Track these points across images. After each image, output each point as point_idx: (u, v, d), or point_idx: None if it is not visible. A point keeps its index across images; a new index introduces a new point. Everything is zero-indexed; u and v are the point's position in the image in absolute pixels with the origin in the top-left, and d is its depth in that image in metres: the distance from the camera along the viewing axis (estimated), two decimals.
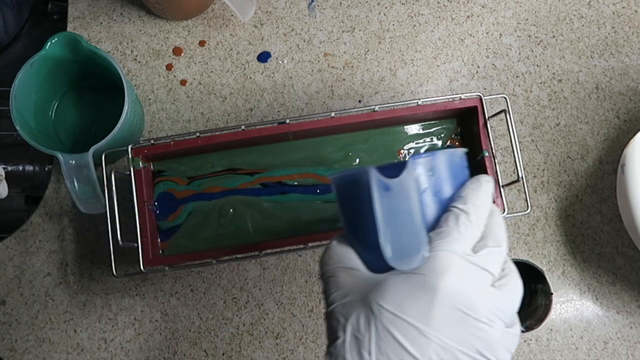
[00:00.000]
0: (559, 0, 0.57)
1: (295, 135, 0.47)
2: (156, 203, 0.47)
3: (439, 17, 0.57)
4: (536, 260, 0.52)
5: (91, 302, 0.51)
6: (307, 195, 0.47)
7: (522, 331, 0.46)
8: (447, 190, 0.30)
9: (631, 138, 0.48)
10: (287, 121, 0.45)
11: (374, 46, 0.56)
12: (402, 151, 0.48)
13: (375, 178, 0.27)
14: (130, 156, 0.44)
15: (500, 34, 0.56)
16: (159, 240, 0.47)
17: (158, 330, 0.51)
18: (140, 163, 0.46)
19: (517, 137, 0.51)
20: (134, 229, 0.44)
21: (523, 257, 0.52)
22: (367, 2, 0.57)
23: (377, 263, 0.29)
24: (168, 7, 0.53)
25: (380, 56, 0.56)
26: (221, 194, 0.47)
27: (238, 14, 0.52)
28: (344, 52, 0.56)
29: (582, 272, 0.52)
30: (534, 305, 0.48)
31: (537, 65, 0.56)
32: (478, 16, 0.57)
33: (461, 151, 0.32)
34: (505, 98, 0.46)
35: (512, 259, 0.31)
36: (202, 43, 0.56)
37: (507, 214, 0.45)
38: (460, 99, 0.45)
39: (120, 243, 0.43)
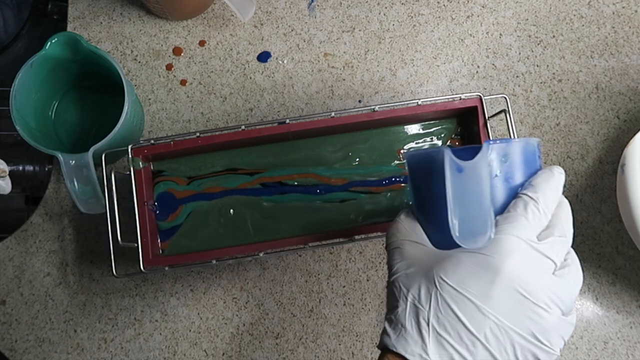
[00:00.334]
0: (559, 0, 0.57)
1: (295, 135, 0.47)
2: (156, 203, 0.47)
3: (439, 17, 0.57)
4: None
5: (91, 302, 0.51)
6: (307, 195, 0.47)
7: None
8: (518, 177, 0.31)
9: (631, 138, 0.48)
10: (287, 121, 0.45)
11: (374, 46, 0.56)
12: (402, 151, 0.48)
13: (449, 158, 0.29)
14: (130, 156, 0.44)
15: (500, 34, 0.56)
16: (159, 240, 0.47)
17: (158, 330, 0.51)
18: (140, 163, 0.46)
19: (517, 137, 0.51)
20: (134, 229, 0.44)
21: None
22: (367, 2, 0.57)
23: (443, 240, 0.30)
24: (168, 7, 0.53)
25: (380, 56, 0.56)
26: (221, 194, 0.47)
27: (238, 14, 0.52)
28: (344, 52, 0.56)
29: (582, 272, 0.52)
30: None
31: (537, 65, 0.56)
32: (478, 16, 0.57)
33: (535, 140, 0.33)
34: (505, 98, 0.46)
35: None
36: (202, 43, 0.56)
37: None
38: (460, 99, 0.45)
39: (120, 243, 0.43)
